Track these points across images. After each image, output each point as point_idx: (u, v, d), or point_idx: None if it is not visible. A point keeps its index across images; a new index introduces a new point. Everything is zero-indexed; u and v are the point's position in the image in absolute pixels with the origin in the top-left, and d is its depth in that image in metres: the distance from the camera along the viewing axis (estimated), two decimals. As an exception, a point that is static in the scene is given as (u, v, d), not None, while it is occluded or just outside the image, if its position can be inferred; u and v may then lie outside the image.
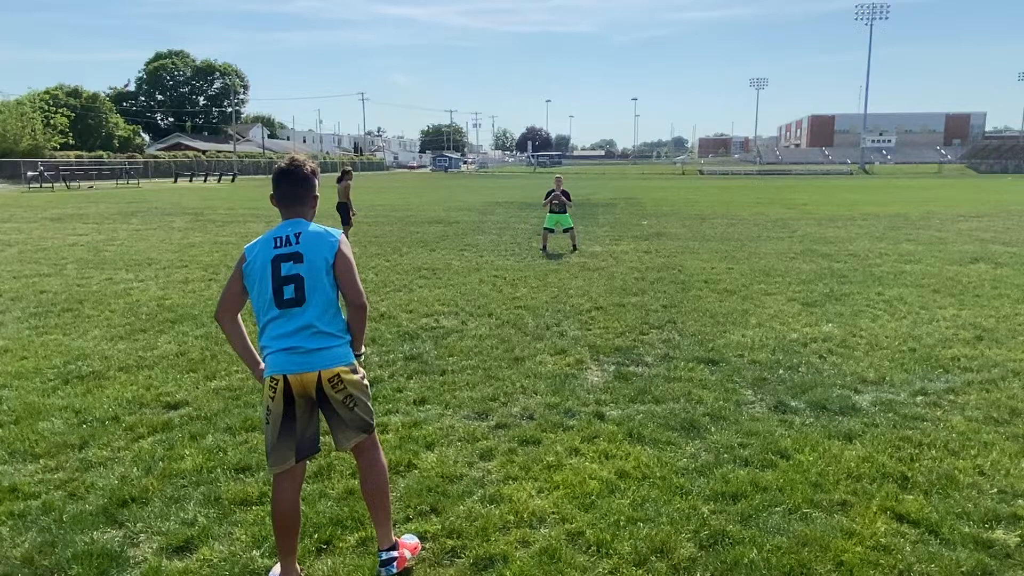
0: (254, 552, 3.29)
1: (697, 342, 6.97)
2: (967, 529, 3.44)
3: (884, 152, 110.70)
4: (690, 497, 3.79)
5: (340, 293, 3.02)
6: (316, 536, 3.41)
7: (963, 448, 4.39)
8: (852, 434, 4.64)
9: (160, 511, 3.66)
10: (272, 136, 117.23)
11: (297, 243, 2.95)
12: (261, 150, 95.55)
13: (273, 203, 3.12)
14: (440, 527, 3.49)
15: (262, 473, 4.07)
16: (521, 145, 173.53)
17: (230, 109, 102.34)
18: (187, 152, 79.82)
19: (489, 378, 5.86)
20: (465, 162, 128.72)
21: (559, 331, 7.46)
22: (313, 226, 3.04)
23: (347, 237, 9.58)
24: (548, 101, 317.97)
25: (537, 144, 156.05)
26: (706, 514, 3.60)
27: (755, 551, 3.24)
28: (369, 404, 3.14)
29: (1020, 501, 3.72)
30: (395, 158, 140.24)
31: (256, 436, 4.62)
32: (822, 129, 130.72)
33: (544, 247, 14.13)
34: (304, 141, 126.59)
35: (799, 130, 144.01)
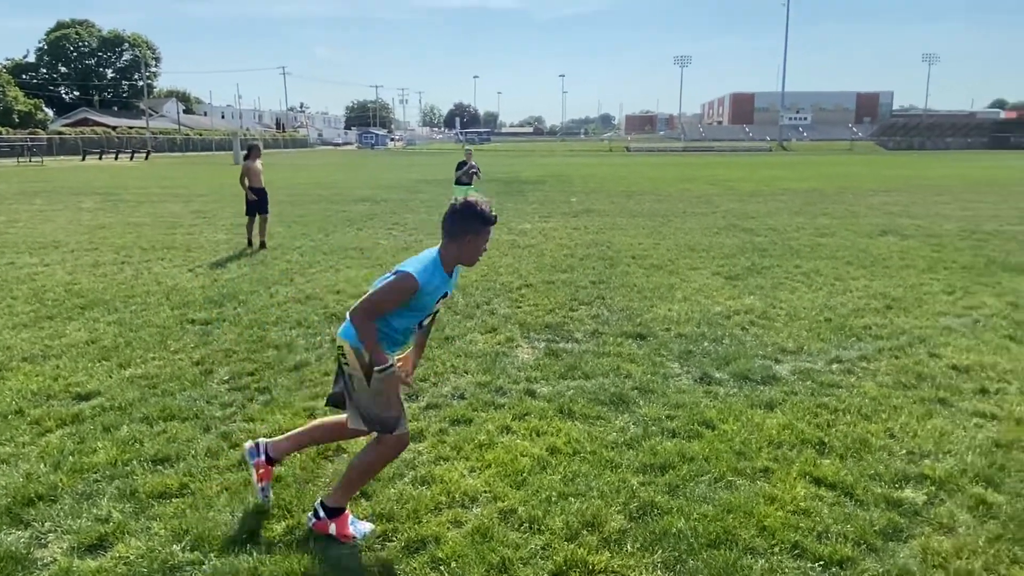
0: (174, 547, 3.15)
1: (625, 317, 7.08)
2: (879, 490, 3.62)
3: (801, 129, 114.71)
4: (620, 470, 3.84)
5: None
6: (242, 526, 3.30)
7: (875, 412, 4.61)
8: (773, 403, 4.81)
9: (71, 508, 3.46)
10: (188, 111, 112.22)
11: None
12: (176, 126, 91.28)
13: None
14: (371, 511, 3.43)
15: (182, 464, 3.91)
16: (449, 122, 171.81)
17: (141, 83, 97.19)
18: (95, 128, 75.38)
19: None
20: (392, 139, 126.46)
21: (489, 309, 7.44)
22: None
23: (267, 227, 8.88)
24: (476, 77, 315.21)
25: (465, 121, 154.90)
26: (635, 486, 3.66)
27: (683, 520, 3.32)
28: (372, 408, 3.16)
29: (927, 461, 3.93)
30: (319, 135, 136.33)
31: (175, 425, 4.43)
32: (743, 107, 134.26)
33: None
34: (223, 117, 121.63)
35: (721, 108, 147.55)
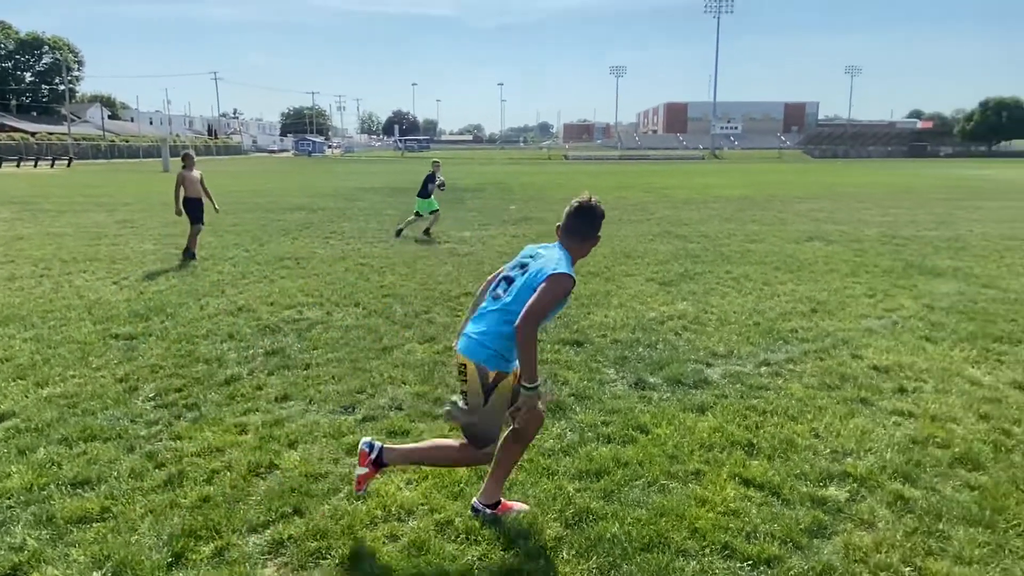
0: (94, 574, 3.02)
1: (563, 324, 7.14)
2: (805, 488, 3.75)
3: (732, 138, 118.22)
4: (556, 477, 3.87)
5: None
6: (167, 549, 3.18)
7: (801, 413, 4.78)
8: (704, 406, 4.92)
9: (-19, 538, 3.27)
10: (114, 117, 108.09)
11: None
12: (100, 132, 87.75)
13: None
14: (304, 529, 3.36)
15: (104, 486, 3.75)
16: (388, 129, 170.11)
17: (62, 87, 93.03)
18: (12, 135, 71.81)
19: (356, 370, 5.71)
20: (330, 146, 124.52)
21: (428, 318, 7.40)
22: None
23: (199, 238, 8.58)
24: (414, 85, 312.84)
25: (404, 128, 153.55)
26: (571, 492, 3.69)
27: (617, 525, 3.37)
28: (479, 423, 3.21)
29: (849, 459, 4.09)
30: (254, 142, 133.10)
31: (96, 445, 4.24)
32: (676, 116, 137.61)
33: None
34: (151, 123, 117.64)
35: (656, 117, 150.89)
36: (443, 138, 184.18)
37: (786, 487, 3.75)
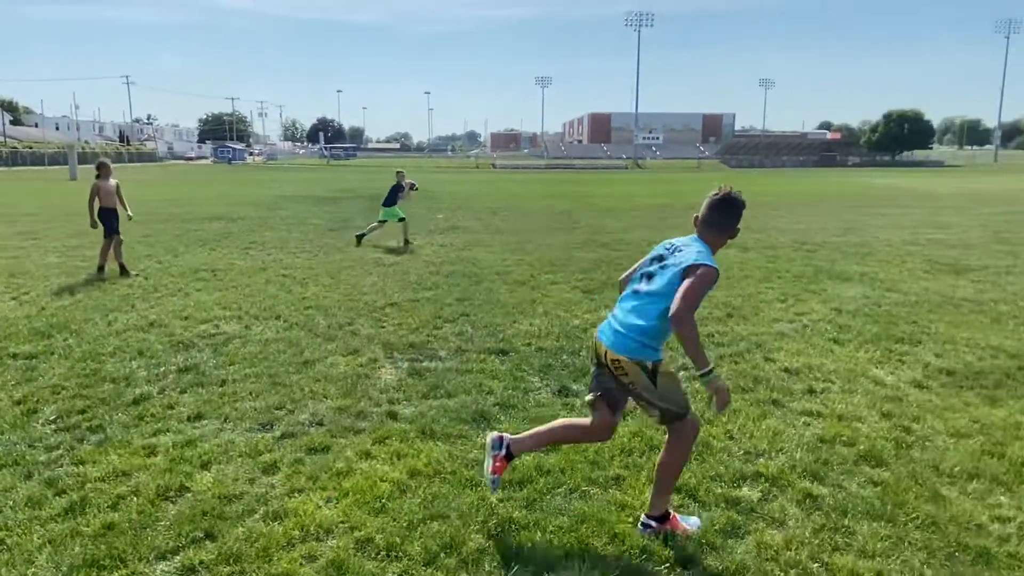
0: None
1: (489, 333, 7.15)
2: (719, 490, 3.86)
3: (654, 148, 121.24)
4: (479, 488, 3.86)
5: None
6: (65, 583, 3.00)
7: (716, 416, 4.92)
8: (625, 411, 5.00)
9: None
10: (16, 122, 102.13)
11: None
12: (2, 138, 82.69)
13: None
14: (216, 554, 3.23)
15: (-4, 518, 3.51)
16: (312, 136, 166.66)
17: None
18: (-101, 139, 66.84)
19: (275, 385, 5.55)
20: (251, 153, 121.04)
21: (352, 330, 7.27)
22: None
23: (122, 249, 8.13)
24: (340, 91, 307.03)
25: (330, 136, 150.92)
26: (494, 503, 3.69)
27: (539, 534, 3.38)
28: (668, 400, 3.29)
29: (761, 460, 4.24)
30: (169, 148, 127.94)
31: (-11, 475, 3.97)
32: (601, 126, 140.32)
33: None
34: (57, 128, 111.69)
35: (581, 127, 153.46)
36: (370, 146, 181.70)
37: (702, 489, 3.86)
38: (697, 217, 3.46)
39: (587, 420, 3.57)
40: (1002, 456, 4.27)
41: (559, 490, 3.84)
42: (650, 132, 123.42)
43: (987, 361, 6.19)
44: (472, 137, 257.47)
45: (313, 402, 5.22)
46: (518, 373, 5.89)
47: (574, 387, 5.54)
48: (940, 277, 10.40)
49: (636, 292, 3.39)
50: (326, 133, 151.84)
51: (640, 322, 3.26)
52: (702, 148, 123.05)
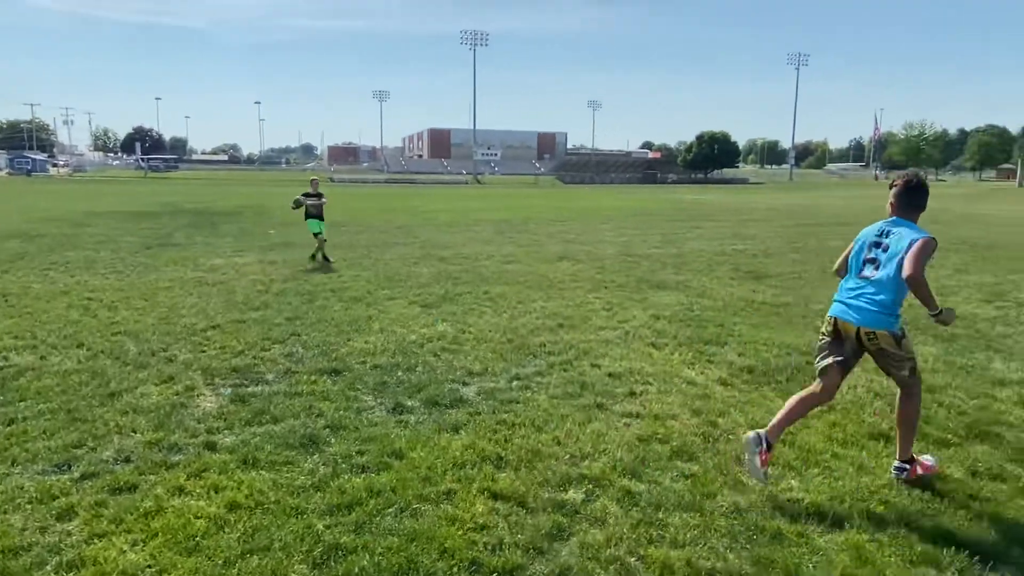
0: None
1: (321, 353, 6.92)
2: (547, 495, 3.99)
3: (492, 164, 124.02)
4: (305, 516, 3.71)
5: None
6: None
7: (546, 423, 5.09)
8: (459, 424, 5.05)
9: None
10: None
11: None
12: None
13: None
14: (-7, 616, 2.86)
15: None
16: (128, 146, 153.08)
17: None
18: None
19: (74, 421, 5.02)
20: (55, 164, 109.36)
21: (167, 356, 6.75)
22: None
23: None
24: (158, 99, 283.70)
25: (148, 146, 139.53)
26: (320, 530, 3.57)
27: (367, 557, 3.31)
28: (911, 360, 4.15)
29: (586, 462, 4.44)
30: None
31: None
32: (440, 141, 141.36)
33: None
34: None
35: (421, 142, 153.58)
36: (195, 157, 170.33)
37: (531, 495, 3.96)
38: (892, 204, 4.20)
39: (814, 387, 4.27)
40: (793, 444, 4.76)
41: (389, 510, 3.78)
42: (488, 148, 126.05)
43: (782, 358, 6.90)
44: (308, 150, 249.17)
45: (119, 437, 4.77)
46: (351, 392, 5.76)
47: (409, 403, 5.51)
48: (744, 283, 11.47)
49: (868, 278, 4.12)
50: (143, 143, 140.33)
51: (885, 299, 4.03)
52: (538, 165, 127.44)
